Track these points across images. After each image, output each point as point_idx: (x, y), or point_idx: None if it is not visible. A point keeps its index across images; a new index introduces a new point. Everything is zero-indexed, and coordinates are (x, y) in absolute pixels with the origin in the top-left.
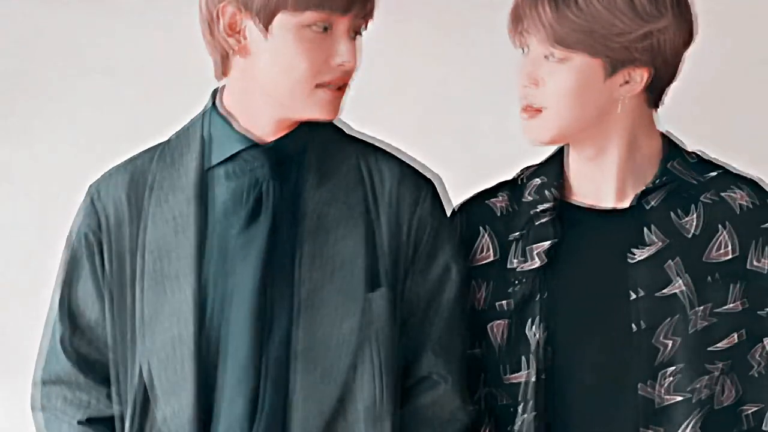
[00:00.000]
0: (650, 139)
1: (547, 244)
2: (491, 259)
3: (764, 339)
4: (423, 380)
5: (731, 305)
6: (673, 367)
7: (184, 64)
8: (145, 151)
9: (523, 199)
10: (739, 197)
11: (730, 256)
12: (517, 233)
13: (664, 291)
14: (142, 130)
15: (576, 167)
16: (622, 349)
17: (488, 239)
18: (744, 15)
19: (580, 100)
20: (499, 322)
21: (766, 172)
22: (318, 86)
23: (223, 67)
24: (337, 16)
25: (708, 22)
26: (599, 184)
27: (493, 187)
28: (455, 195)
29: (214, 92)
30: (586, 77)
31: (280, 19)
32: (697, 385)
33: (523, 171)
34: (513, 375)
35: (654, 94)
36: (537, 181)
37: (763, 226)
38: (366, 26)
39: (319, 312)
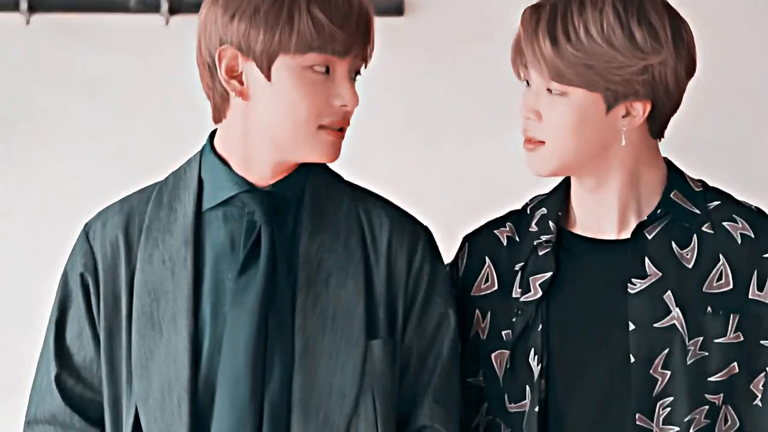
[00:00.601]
0: (653, 168)
1: (546, 275)
2: (494, 288)
3: (767, 368)
4: (423, 430)
5: (730, 336)
6: (671, 398)
7: (186, 101)
8: (139, 191)
9: (529, 229)
10: (740, 227)
11: (729, 287)
12: (521, 263)
13: (662, 322)
14: (138, 164)
15: (578, 198)
16: (620, 380)
17: (491, 269)
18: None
19: (580, 134)
20: (501, 351)
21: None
22: (319, 128)
23: (222, 111)
24: (337, 58)
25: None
26: (601, 215)
27: (501, 216)
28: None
29: (211, 134)
30: (585, 111)
31: (281, 62)
32: (696, 416)
33: (531, 200)
34: (515, 404)
35: (656, 124)
36: (542, 211)
37: (764, 256)
38: (365, 67)
39: (319, 360)
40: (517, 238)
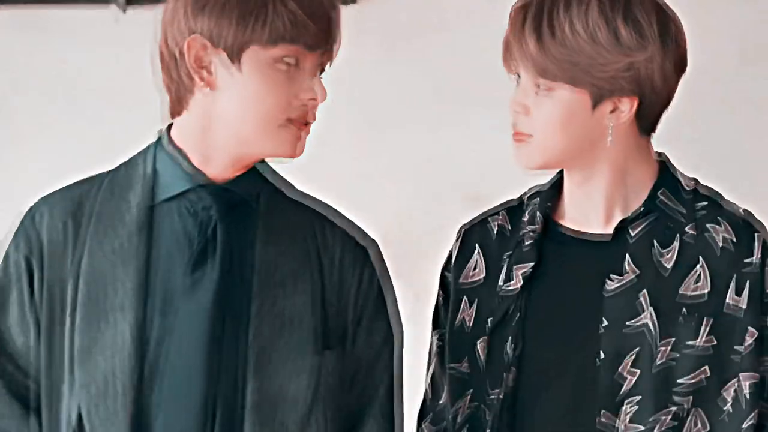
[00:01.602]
0: (642, 165)
1: (528, 265)
2: (480, 277)
3: (740, 374)
4: None
5: (702, 340)
6: (637, 398)
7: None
8: (87, 179)
9: (522, 219)
10: (723, 230)
11: (706, 291)
12: (508, 254)
13: (633, 322)
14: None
15: (568, 192)
16: (590, 376)
17: (480, 258)
18: None
19: (566, 130)
20: (484, 339)
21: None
22: (286, 121)
23: (183, 104)
24: (305, 52)
25: None
26: (588, 209)
27: (499, 205)
28: None
29: (168, 127)
30: (571, 107)
31: (252, 53)
32: (662, 417)
33: (527, 191)
34: (492, 391)
35: (645, 121)
36: (535, 202)
37: (745, 261)
38: (330, 64)
39: (272, 366)
40: (509, 228)
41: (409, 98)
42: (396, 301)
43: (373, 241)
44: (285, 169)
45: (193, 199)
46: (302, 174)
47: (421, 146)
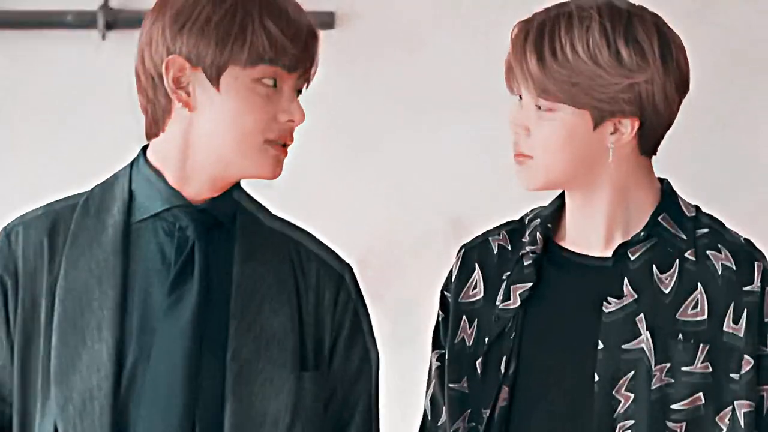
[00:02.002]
0: (644, 188)
1: (526, 285)
2: (480, 297)
3: (735, 402)
4: None
5: (697, 366)
6: (631, 422)
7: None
8: (62, 200)
9: (522, 239)
10: (723, 257)
11: (703, 317)
12: (508, 272)
13: (630, 344)
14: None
15: (569, 213)
16: (584, 397)
17: (479, 277)
18: None
19: (567, 150)
20: (482, 358)
21: None
22: (265, 142)
23: (161, 124)
24: (284, 73)
25: None
26: (588, 230)
27: (500, 224)
28: None
29: (143, 148)
30: (572, 128)
31: (231, 73)
32: None
33: (530, 212)
34: (485, 410)
35: (646, 142)
36: (536, 222)
37: (744, 289)
38: (308, 86)
39: (253, 386)
40: (509, 248)
41: (385, 120)
42: (372, 325)
43: (349, 265)
44: (263, 191)
45: (170, 219)
46: (280, 196)
47: (398, 169)
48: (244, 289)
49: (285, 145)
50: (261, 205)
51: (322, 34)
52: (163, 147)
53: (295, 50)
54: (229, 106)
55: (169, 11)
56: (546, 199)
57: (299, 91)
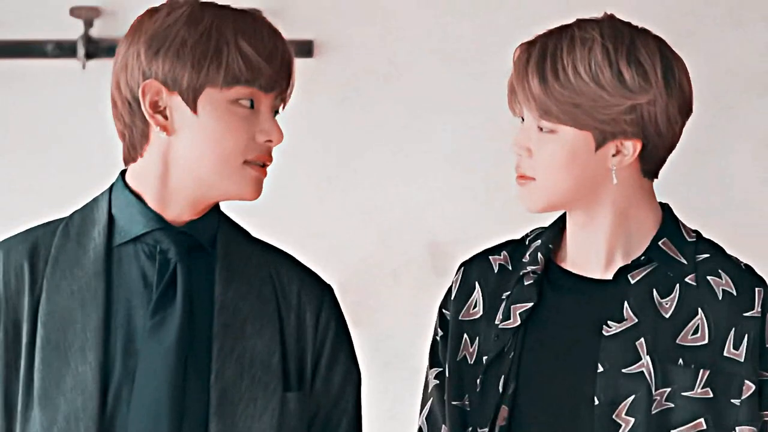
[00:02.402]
0: (645, 211)
1: (527, 305)
2: (480, 314)
3: (737, 428)
4: None
5: (698, 391)
6: None
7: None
8: (44, 225)
9: (523, 260)
10: (723, 283)
11: (704, 342)
12: (508, 292)
13: (631, 368)
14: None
15: (570, 234)
16: (583, 421)
17: (479, 295)
18: None
19: (569, 171)
20: (482, 377)
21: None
22: (244, 163)
23: (140, 149)
24: (261, 94)
25: None
26: (589, 252)
27: (500, 244)
28: None
29: (122, 172)
30: (574, 149)
31: (208, 95)
32: None
33: (531, 232)
34: (482, 430)
35: (648, 164)
36: (536, 243)
37: (744, 314)
38: (284, 107)
39: (236, 406)
40: (510, 268)
41: (363, 148)
42: (352, 345)
43: (329, 285)
44: (243, 216)
45: (151, 242)
46: (259, 222)
47: (376, 195)
48: (226, 310)
49: (264, 166)
50: (240, 227)
51: (301, 63)
52: (142, 171)
53: (270, 71)
54: (207, 128)
55: (144, 36)
56: (529, 225)
57: (276, 112)
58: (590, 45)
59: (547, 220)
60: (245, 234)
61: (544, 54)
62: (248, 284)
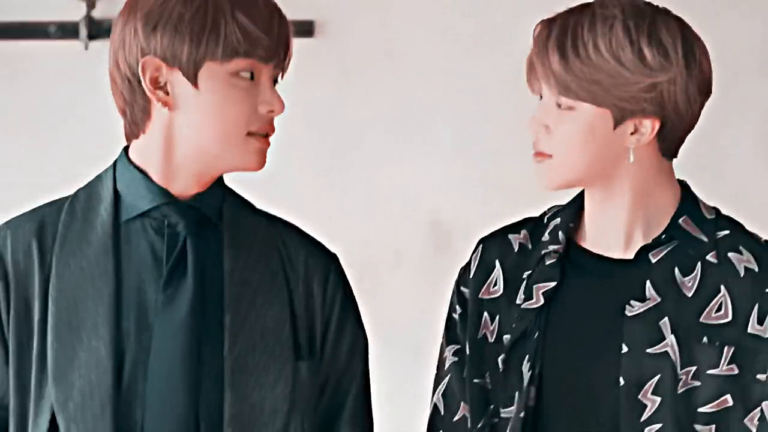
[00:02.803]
0: (664, 189)
1: (549, 284)
2: (500, 293)
3: (763, 403)
4: None
5: (723, 368)
6: (658, 425)
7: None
8: (49, 204)
9: (542, 238)
10: (745, 259)
11: (728, 319)
12: (528, 271)
13: (655, 348)
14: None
15: (589, 212)
16: (608, 401)
17: (500, 273)
18: None
19: (586, 149)
20: (502, 356)
21: None
22: (247, 135)
23: (142, 126)
24: (260, 65)
25: None
26: (608, 231)
27: (518, 222)
28: None
29: (125, 148)
30: (592, 126)
31: (208, 69)
32: None
33: (549, 210)
34: (504, 409)
35: (667, 143)
36: (556, 221)
37: (766, 291)
38: (282, 76)
39: (250, 377)
40: (530, 246)
41: (364, 128)
42: (359, 312)
43: (335, 255)
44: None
45: (159, 217)
46: (259, 201)
47: (377, 175)
48: (236, 282)
49: (267, 136)
50: (245, 199)
51: (302, 43)
52: (146, 147)
53: (268, 41)
54: (209, 102)
55: (140, 12)
56: (530, 204)
57: (275, 81)
58: (611, 23)
59: (548, 199)
60: (250, 206)
61: (565, 31)
62: (256, 256)
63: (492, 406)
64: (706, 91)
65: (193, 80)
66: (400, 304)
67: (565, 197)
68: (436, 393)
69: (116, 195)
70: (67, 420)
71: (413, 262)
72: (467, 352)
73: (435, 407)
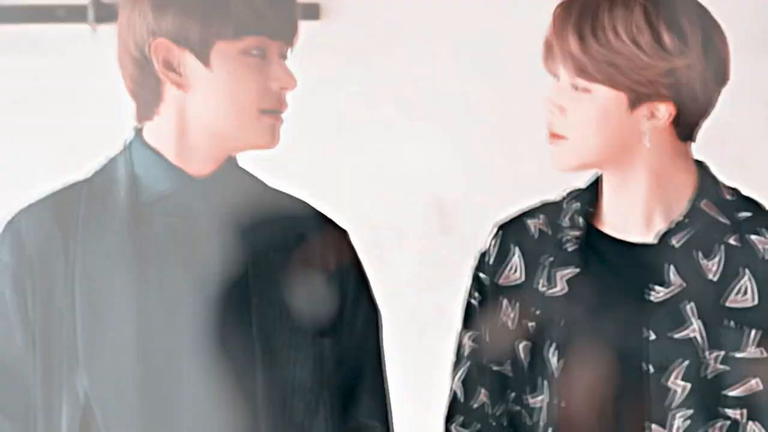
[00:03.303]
0: (682, 172)
1: (571, 271)
2: (520, 279)
3: None
4: (362, 425)
5: (750, 351)
6: (686, 410)
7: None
8: (63, 189)
9: (560, 223)
10: (766, 241)
11: (751, 303)
12: (547, 256)
13: (679, 333)
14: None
15: (607, 196)
16: (634, 387)
17: (519, 259)
18: None
19: (601, 131)
20: (525, 342)
21: None
22: (260, 112)
23: (154, 108)
24: (270, 42)
25: None
26: (627, 215)
27: (536, 206)
28: None
29: (137, 130)
30: (608, 109)
31: (219, 49)
32: (710, 430)
33: (567, 194)
34: (532, 397)
35: (683, 128)
36: (574, 205)
37: None
38: (292, 51)
39: (280, 355)
40: (549, 231)
41: (369, 110)
42: (371, 285)
43: (345, 230)
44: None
45: (178, 197)
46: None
47: (382, 156)
48: (257, 259)
49: (279, 113)
50: (257, 177)
51: (307, 26)
52: (160, 129)
53: (277, 17)
54: (221, 81)
55: None
56: (537, 185)
57: (285, 57)
58: (631, 6)
59: (556, 180)
60: (263, 182)
61: (584, 13)
62: (272, 233)
63: (513, 394)
64: (723, 78)
65: (205, 60)
66: (403, 281)
67: (572, 179)
68: (456, 380)
69: (134, 177)
70: (100, 405)
71: (416, 240)
72: (486, 339)
73: (454, 393)
